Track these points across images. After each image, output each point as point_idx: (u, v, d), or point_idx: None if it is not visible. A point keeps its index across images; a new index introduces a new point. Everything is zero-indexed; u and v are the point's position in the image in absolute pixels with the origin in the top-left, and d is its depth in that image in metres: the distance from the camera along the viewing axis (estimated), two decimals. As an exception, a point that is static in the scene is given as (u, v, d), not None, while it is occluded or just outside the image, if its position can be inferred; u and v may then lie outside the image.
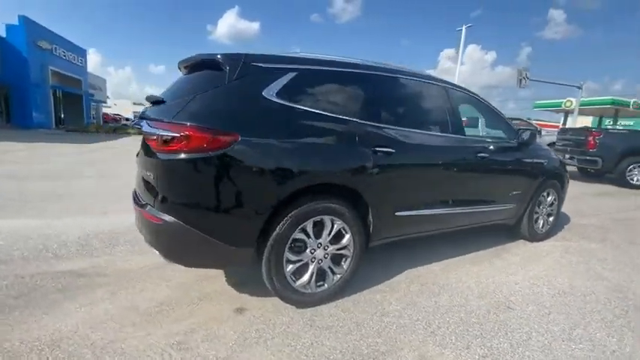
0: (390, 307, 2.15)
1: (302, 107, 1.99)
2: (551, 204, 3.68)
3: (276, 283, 1.96)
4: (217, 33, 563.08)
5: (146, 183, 1.96)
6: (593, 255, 3.28)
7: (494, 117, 3.28)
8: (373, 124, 2.22)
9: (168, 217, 1.74)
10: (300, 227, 1.95)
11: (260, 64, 1.94)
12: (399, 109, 2.50)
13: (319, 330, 1.87)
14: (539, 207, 3.54)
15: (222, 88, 1.83)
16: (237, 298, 2.16)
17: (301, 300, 2.06)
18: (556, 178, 3.63)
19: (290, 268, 1.99)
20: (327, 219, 2.04)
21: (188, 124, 1.71)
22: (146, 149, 1.93)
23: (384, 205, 2.27)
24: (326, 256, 2.11)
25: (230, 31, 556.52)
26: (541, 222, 3.60)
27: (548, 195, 3.61)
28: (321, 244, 2.07)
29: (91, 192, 4.96)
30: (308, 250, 2.03)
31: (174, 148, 1.69)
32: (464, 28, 20.59)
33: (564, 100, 20.86)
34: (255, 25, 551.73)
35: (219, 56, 1.92)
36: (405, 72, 2.59)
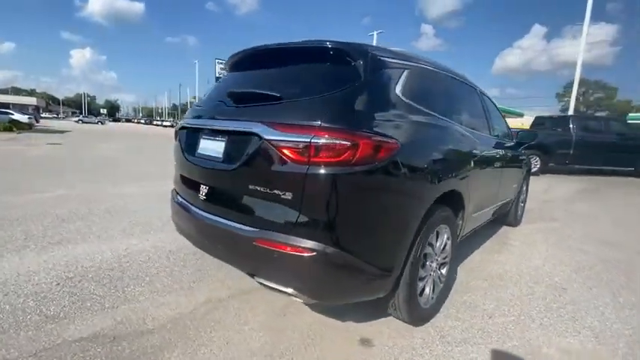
0: (487, 307, 2.20)
1: (425, 109, 1.84)
2: (525, 192, 4.36)
3: (407, 305, 1.76)
4: (89, 9, 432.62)
5: (264, 203, 1.50)
6: (559, 231, 4.04)
7: (500, 118, 3.67)
8: (465, 127, 2.22)
9: (319, 245, 1.38)
10: (428, 240, 1.81)
11: (385, 58, 1.70)
12: (469, 113, 2.56)
13: (458, 345, 1.78)
14: (521, 196, 4.14)
15: (361, 85, 1.53)
16: (347, 330, 1.86)
17: (420, 316, 1.92)
18: (529, 171, 4.31)
19: (420, 285, 1.83)
20: (442, 227, 1.95)
21: (356, 130, 1.37)
22: (264, 159, 1.47)
23: (470, 207, 2.30)
24: (437, 266, 2.02)
25: (106, 9, 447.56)
26: (520, 209, 4.23)
27: (525, 185, 4.25)
28: (436, 254, 1.97)
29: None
30: (428, 263, 1.91)
31: (338, 159, 1.34)
32: (375, 33, 22.48)
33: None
34: (138, 7, 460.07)
35: (344, 47, 1.61)
36: (465, 78, 2.67)
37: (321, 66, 1.66)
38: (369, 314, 1.97)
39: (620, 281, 2.72)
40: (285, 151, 1.39)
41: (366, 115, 1.49)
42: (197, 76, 51.96)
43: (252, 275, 1.59)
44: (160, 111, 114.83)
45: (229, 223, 1.61)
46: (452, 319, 2.03)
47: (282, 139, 1.40)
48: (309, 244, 1.39)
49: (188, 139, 1.98)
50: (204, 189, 1.76)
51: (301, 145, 1.36)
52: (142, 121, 78.61)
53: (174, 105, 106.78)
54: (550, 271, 2.86)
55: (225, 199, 1.68)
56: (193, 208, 1.85)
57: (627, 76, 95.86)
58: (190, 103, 77.84)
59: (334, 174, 1.34)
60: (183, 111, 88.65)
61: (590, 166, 10.33)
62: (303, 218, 1.40)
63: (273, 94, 1.56)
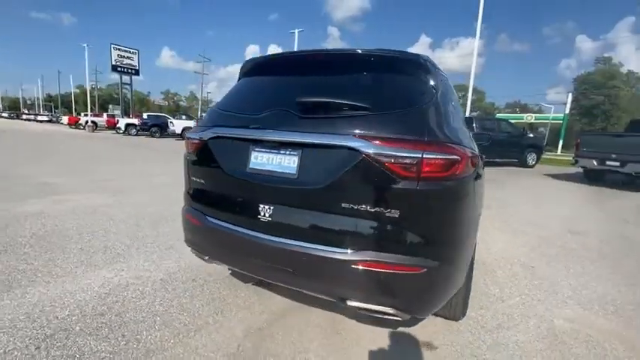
0: (494, 292, 2.50)
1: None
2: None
3: (464, 301, 1.89)
4: None
5: (366, 222, 1.40)
6: (497, 216, 4.82)
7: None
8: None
9: (428, 261, 1.37)
10: None
11: (436, 70, 1.74)
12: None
13: (497, 330, 1.98)
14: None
15: (440, 98, 1.55)
16: (407, 337, 1.88)
17: (464, 311, 2.06)
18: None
19: None
20: None
21: (458, 145, 1.38)
22: (364, 175, 1.37)
23: None
24: None
25: None
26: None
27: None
28: None
29: None
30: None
31: (446, 174, 1.33)
32: (297, 31, 22.59)
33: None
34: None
35: (418, 59, 1.64)
36: None
37: (402, 77, 1.61)
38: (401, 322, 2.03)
39: (563, 254, 3.41)
40: (393, 167, 1.32)
41: (456, 128, 1.52)
42: (87, 63, 43.96)
43: (342, 300, 1.47)
44: (29, 102, 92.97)
45: (313, 246, 1.45)
46: (477, 308, 2.24)
47: (388, 154, 1.32)
48: (418, 261, 1.36)
49: (229, 152, 1.69)
50: (267, 209, 1.54)
51: (411, 161, 1.31)
52: (5, 114, 62.43)
53: (50, 96, 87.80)
54: (515, 253, 3.40)
55: (305, 220, 1.49)
56: (247, 231, 1.60)
57: (488, 81, 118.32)
58: (75, 92, 64.79)
59: (443, 188, 1.34)
60: (65, 102, 73.30)
61: (487, 160, 12.46)
62: (412, 235, 1.37)
63: (362, 104, 1.45)
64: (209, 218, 1.76)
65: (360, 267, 1.36)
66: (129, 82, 34.90)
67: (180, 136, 20.57)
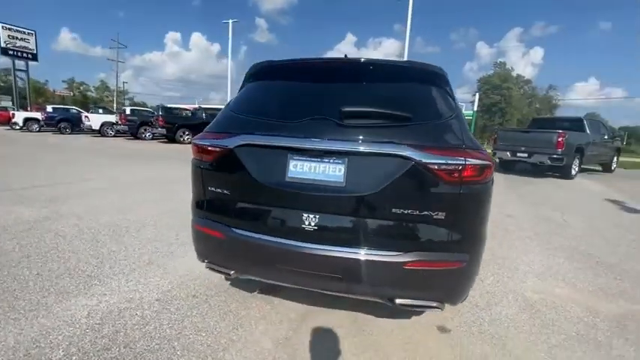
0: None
1: None
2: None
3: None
4: None
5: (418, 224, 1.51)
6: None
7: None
8: None
9: (466, 256, 1.53)
10: None
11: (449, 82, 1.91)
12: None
13: (493, 307, 2.29)
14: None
15: (458, 108, 1.70)
16: (422, 326, 2.05)
17: None
18: None
19: None
20: None
21: (484, 151, 1.54)
22: (414, 181, 1.47)
23: None
24: None
25: None
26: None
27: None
28: None
29: None
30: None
31: (479, 178, 1.49)
32: (230, 22, 21.50)
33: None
34: None
35: (438, 71, 1.77)
36: None
37: (432, 88, 1.73)
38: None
39: (508, 235, 4.01)
40: (440, 173, 1.44)
41: (473, 137, 1.69)
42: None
43: (390, 300, 1.55)
44: None
45: (362, 251, 1.49)
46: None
47: (436, 162, 1.43)
48: (458, 256, 1.51)
49: (262, 160, 1.61)
50: (311, 218, 1.52)
51: (456, 167, 1.44)
52: None
53: None
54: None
55: (354, 227, 1.52)
56: (287, 241, 1.56)
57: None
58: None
59: (478, 191, 1.50)
60: None
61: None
62: (454, 234, 1.51)
63: (404, 114, 1.53)
64: (236, 230, 1.67)
65: (410, 267, 1.46)
66: (24, 69, 29.17)
67: (99, 132, 18.09)
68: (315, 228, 1.52)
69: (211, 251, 1.82)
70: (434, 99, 1.69)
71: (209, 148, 1.70)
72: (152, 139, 16.92)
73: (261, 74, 1.96)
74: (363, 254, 1.49)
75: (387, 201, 1.47)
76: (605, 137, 11.03)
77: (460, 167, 1.44)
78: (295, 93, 1.81)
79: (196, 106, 26.69)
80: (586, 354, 1.87)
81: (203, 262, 1.89)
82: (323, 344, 1.83)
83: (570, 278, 2.87)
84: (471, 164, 1.45)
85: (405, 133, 1.51)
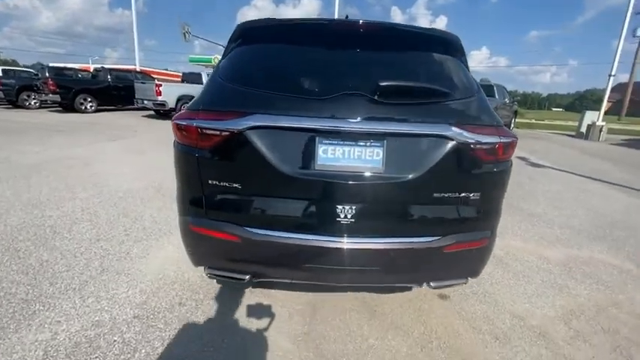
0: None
1: None
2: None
3: None
4: None
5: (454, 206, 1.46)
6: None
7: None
8: None
9: (489, 232, 1.56)
10: None
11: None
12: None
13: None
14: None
15: (470, 76, 1.64)
16: (427, 295, 2.12)
17: None
18: None
19: None
20: None
21: (505, 128, 1.51)
22: (456, 162, 1.39)
23: None
24: None
25: None
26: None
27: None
28: None
29: None
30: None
31: (506, 156, 1.47)
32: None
33: (213, 57, 25.95)
34: None
35: (458, 40, 1.64)
36: None
37: (459, 61, 1.61)
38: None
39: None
40: (479, 153, 1.38)
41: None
42: None
43: (427, 284, 1.52)
44: None
45: (402, 240, 1.41)
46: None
47: (477, 141, 1.37)
48: (486, 233, 1.54)
49: (283, 146, 1.32)
50: (347, 210, 1.34)
51: (492, 146, 1.40)
52: None
53: None
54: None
55: (393, 215, 1.41)
56: (320, 237, 1.37)
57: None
58: None
59: (506, 168, 1.50)
60: None
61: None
62: (485, 213, 1.51)
63: (445, 90, 1.40)
64: (253, 230, 1.40)
65: (449, 251, 1.43)
66: None
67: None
68: (352, 220, 1.36)
69: (216, 256, 1.53)
70: (463, 72, 1.59)
71: (208, 132, 1.34)
72: (40, 107, 13.71)
73: (261, 36, 1.58)
74: (403, 243, 1.40)
75: (428, 185, 1.38)
76: (507, 101, 12.76)
77: (496, 145, 1.41)
78: (315, 62, 1.51)
79: (93, 66, 22.31)
80: (556, 297, 2.20)
81: (207, 269, 1.58)
82: (344, 333, 1.76)
83: (516, 230, 3.31)
84: (503, 142, 1.43)
85: (445, 110, 1.40)
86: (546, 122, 23.00)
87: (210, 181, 1.41)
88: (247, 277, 1.52)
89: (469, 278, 1.67)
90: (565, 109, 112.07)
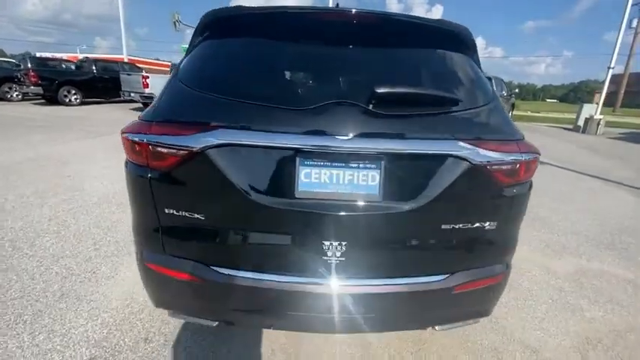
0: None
1: None
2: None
3: None
4: None
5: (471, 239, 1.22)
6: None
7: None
8: None
9: (506, 266, 1.33)
10: None
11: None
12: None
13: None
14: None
15: (484, 79, 1.37)
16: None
17: None
18: None
19: None
20: None
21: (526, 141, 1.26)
22: (470, 187, 1.13)
23: None
24: None
25: None
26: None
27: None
28: None
29: None
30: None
31: (529, 174, 1.22)
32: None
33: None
34: None
35: (470, 34, 1.36)
36: None
37: (471, 60, 1.34)
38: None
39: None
40: (498, 174, 1.13)
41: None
42: None
43: (431, 327, 1.29)
44: None
45: (402, 281, 1.16)
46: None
47: (497, 161, 1.11)
48: (501, 268, 1.30)
49: (254, 168, 1.06)
50: (336, 247, 1.09)
51: (514, 165, 1.15)
52: None
53: None
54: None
55: (391, 251, 1.16)
56: (302, 279, 1.12)
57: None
58: None
59: (527, 189, 1.25)
60: None
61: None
62: (502, 244, 1.27)
63: (454, 97, 1.14)
64: (219, 270, 1.15)
65: (458, 291, 1.20)
66: None
67: None
68: (341, 259, 1.11)
69: (178, 299, 1.27)
70: (475, 74, 1.32)
71: (161, 149, 1.08)
72: (22, 99, 13.16)
73: (230, 28, 1.30)
74: (404, 285, 1.16)
75: (435, 215, 1.13)
76: (504, 94, 12.51)
77: (518, 165, 1.16)
78: (297, 62, 1.25)
79: (80, 56, 21.51)
80: (569, 322, 1.99)
81: (170, 312, 1.33)
82: (333, 375, 1.53)
83: (520, 237, 3.09)
84: (526, 160, 1.17)
85: (456, 123, 1.15)
86: (542, 115, 22.90)
87: (166, 210, 1.14)
88: (216, 323, 1.27)
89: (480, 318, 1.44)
90: (559, 100, 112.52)
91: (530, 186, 1.27)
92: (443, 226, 1.14)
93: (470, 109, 1.19)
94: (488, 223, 1.18)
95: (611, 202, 4.33)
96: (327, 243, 1.10)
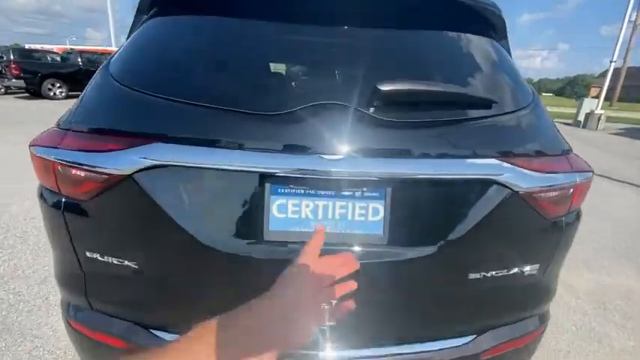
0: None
1: None
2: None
3: None
4: None
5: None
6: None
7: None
8: None
9: (544, 316, 1.05)
10: None
11: None
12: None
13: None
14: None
15: (519, 72, 1.06)
16: None
17: None
18: None
19: None
20: None
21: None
22: (507, 221, 0.83)
23: None
24: None
25: None
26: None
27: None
28: None
29: None
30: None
31: (580, 200, 0.93)
32: None
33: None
34: None
35: (489, 5, 1.01)
36: None
37: (500, 49, 1.03)
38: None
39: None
40: (546, 203, 0.83)
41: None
42: None
43: None
44: None
45: (417, 348, 0.86)
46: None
47: (545, 185, 0.81)
48: (537, 320, 1.01)
49: (206, 201, 0.77)
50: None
51: (566, 191, 0.85)
52: None
53: None
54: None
55: (404, 313, 0.87)
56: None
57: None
58: None
59: (577, 218, 0.95)
60: None
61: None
62: (540, 292, 0.98)
63: (486, 97, 0.83)
64: (161, 335, 0.84)
65: (486, 357, 0.90)
66: None
67: None
68: (332, 324, 0.81)
69: None
70: (509, 66, 1.01)
71: (76, 172, 0.76)
72: (5, 93, 12.63)
73: (184, 3, 0.98)
74: (415, 353, 0.86)
75: (460, 262, 0.84)
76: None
77: (572, 189, 0.86)
78: (268, 49, 0.92)
79: (67, 47, 20.86)
80: (597, 355, 1.72)
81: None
82: None
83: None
84: (580, 181, 0.87)
85: (489, 134, 0.84)
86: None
87: (87, 253, 0.83)
88: None
89: None
90: (555, 94, 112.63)
91: (580, 215, 0.97)
92: (471, 276, 0.84)
93: (506, 113, 0.87)
94: (529, 268, 0.89)
95: (623, 204, 4.07)
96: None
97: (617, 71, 35.75)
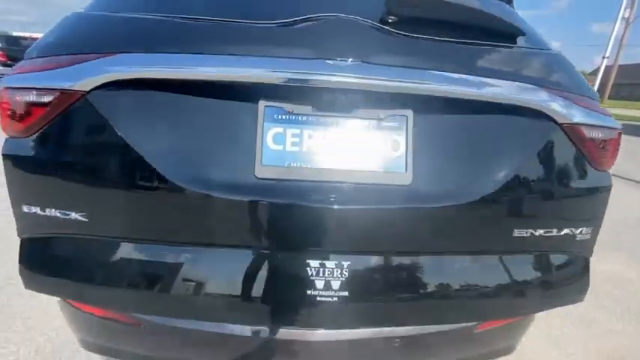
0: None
1: None
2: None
3: None
4: None
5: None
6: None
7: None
8: None
9: None
10: None
11: None
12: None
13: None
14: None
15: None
16: None
17: None
18: None
19: None
20: None
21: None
22: (559, 167, 0.77)
23: None
24: None
25: None
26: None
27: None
28: None
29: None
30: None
31: (614, 158, 0.87)
32: None
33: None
34: None
35: None
36: None
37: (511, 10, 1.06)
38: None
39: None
40: (592, 148, 0.78)
41: None
42: None
43: None
44: None
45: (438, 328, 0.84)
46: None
47: (595, 123, 0.76)
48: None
49: (179, 127, 0.66)
50: (327, 271, 0.69)
51: (612, 134, 0.79)
52: None
53: None
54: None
55: (426, 280, 0.75)
56: (269, 332, 0.78)
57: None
58: None
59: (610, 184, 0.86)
60: None
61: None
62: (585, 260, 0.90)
63: (518, 25, 0.93)
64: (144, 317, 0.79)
65: (480, 330, 0.91)
66: None
67: None
68: (340, 294, 0.70)
69: (106, 341, 0.93)
70: (523, 22, 1.00)
71: (20, 97, 0.65)
72: (-8, 81, 12.27)
73: None
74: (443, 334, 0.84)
75: (507, 214, 0.74)
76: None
77: (616, 134, 0.80)
78: None
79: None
80: (586, 337, 1.75)
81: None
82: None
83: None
84: (618, 128, 0.82)
85: (530, 63, 0.80)
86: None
87: (25, 208, 0.70)
88: None
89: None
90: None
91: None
92: (515, 233, 0.73)
93: (540, 49, 0.84)
94: (581, 227, 0.79)
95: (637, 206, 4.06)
96: (313, 264, 0.68)
97: (607, 69, 36.20)
